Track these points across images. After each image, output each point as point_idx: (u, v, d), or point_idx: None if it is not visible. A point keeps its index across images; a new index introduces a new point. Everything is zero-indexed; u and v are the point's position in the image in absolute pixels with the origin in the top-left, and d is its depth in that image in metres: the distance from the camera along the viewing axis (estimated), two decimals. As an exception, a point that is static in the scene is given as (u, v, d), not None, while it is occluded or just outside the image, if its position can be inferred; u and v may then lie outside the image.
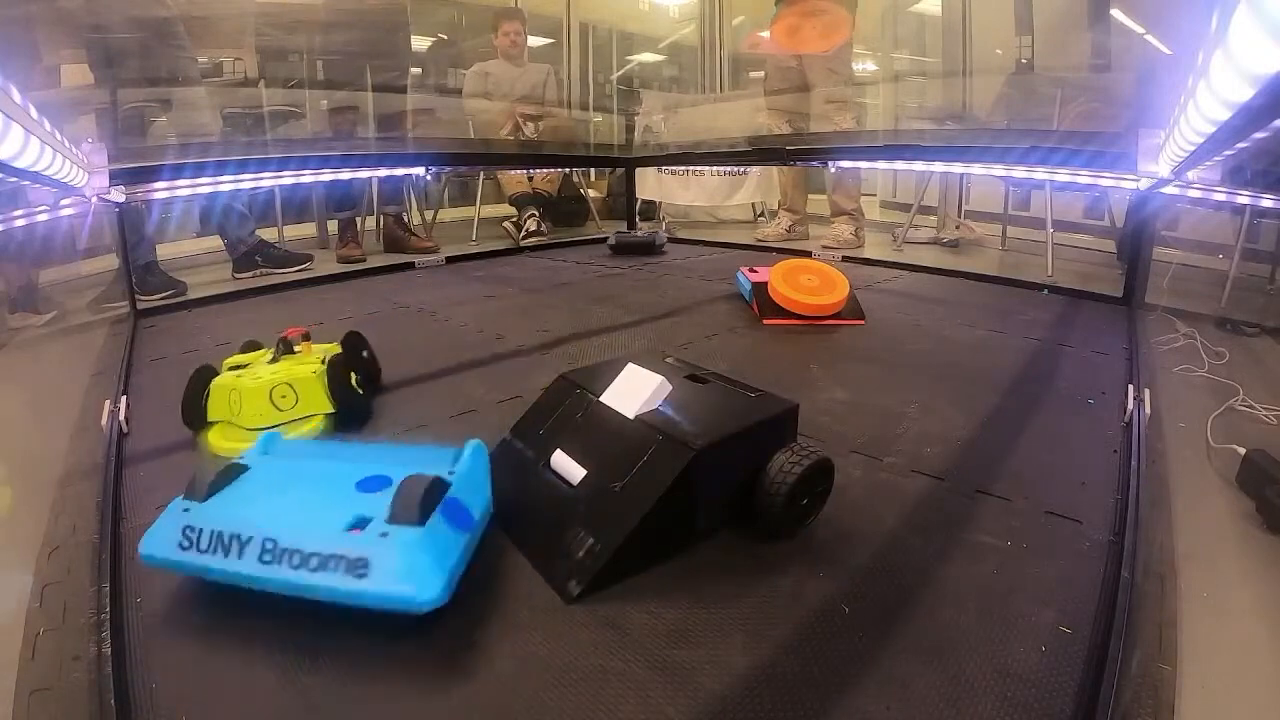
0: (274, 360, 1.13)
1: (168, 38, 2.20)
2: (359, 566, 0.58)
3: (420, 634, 0.61)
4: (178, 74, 2.28)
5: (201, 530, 0.63)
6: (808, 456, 0.77)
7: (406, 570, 0.58)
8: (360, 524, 0.63)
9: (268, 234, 2.83)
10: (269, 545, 0.61)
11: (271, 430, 0.85)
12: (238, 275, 2.36)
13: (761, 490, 0.75)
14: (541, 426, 0.87)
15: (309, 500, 0.67)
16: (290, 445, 0.81)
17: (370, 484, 0.69)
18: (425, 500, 0.63)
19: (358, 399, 1.12)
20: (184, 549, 0.63)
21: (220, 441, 1.02)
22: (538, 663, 0.59)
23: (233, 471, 0.71)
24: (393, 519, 0.62)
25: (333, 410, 1.08)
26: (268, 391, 1.04)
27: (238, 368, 1.13)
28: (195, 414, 1.04)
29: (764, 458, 0.77)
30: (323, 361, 1.11)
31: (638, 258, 2.75)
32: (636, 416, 0.80)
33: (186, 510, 0.66)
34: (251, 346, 1.23)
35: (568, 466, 0.79)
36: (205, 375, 1.07)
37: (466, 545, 0.66)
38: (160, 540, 0.65)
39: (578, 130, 3.78)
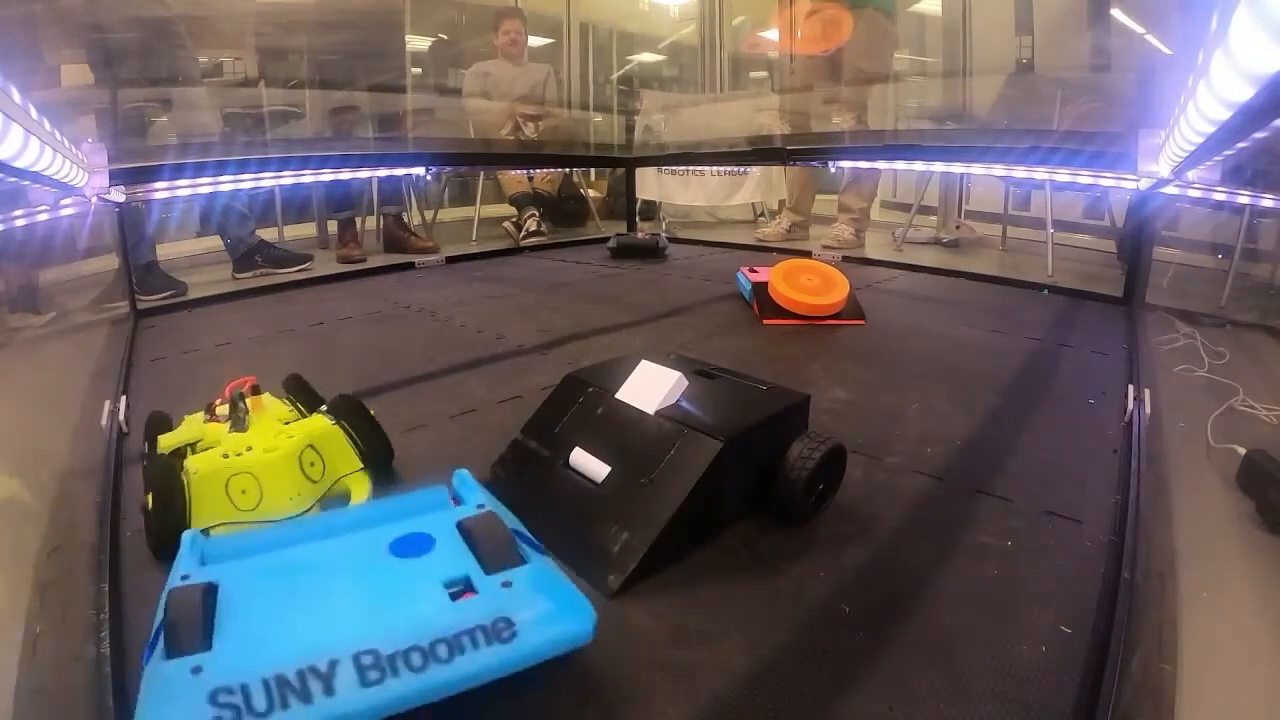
0: (235, 425, 0.87)
1: (168, 37, 2.20)
2: (503, 629, 0.48)
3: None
4: (178, 74, 2.28)
5: (246, 686, 0.43)
6: (824, 443, 0.80)
7: (557, 608, 0.51)
8: (456, 587, 0.52)
9: (268, 234, 2.83)
10: (367, 659, 0.45)
11: (194, 530, 0.63)
12: (238, 275, 2.36)
13: (782, 477, 0.78)
14: (556, 425, 0.88)
15: (360, 587, 0.53)
16: (228, 542, 0.62)
17: (407, 547, 0.57)
18: (491, 528, 0.56)
19: (384, 439, 0.91)
20: None
21: None
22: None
23: (206, 596, 0.50)
24: (491, 568, 0.53)
25: (362, 466, 0.88)
26: (296, 461, 0.80)
27: (180, 450, 0.85)
28: (176, 526, 0.71)
29: (782, 447, 0.79)
30: (294, 407, 0.95)
31: (638, 259, 2.74)
32: (657, 412, 0.81)
33: (198, 670, 0.45)
34: (161, 419, 0.96)
35: (589, 464, 0.80)
36: (168, 470, 0.76)
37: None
38: None
39: (578, 130, 3.78)
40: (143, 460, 0.88)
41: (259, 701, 0.43)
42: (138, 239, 2.09)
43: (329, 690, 0.44)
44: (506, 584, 0.52)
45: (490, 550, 0.54)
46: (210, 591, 0.51)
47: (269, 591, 0.53)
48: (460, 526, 0.58)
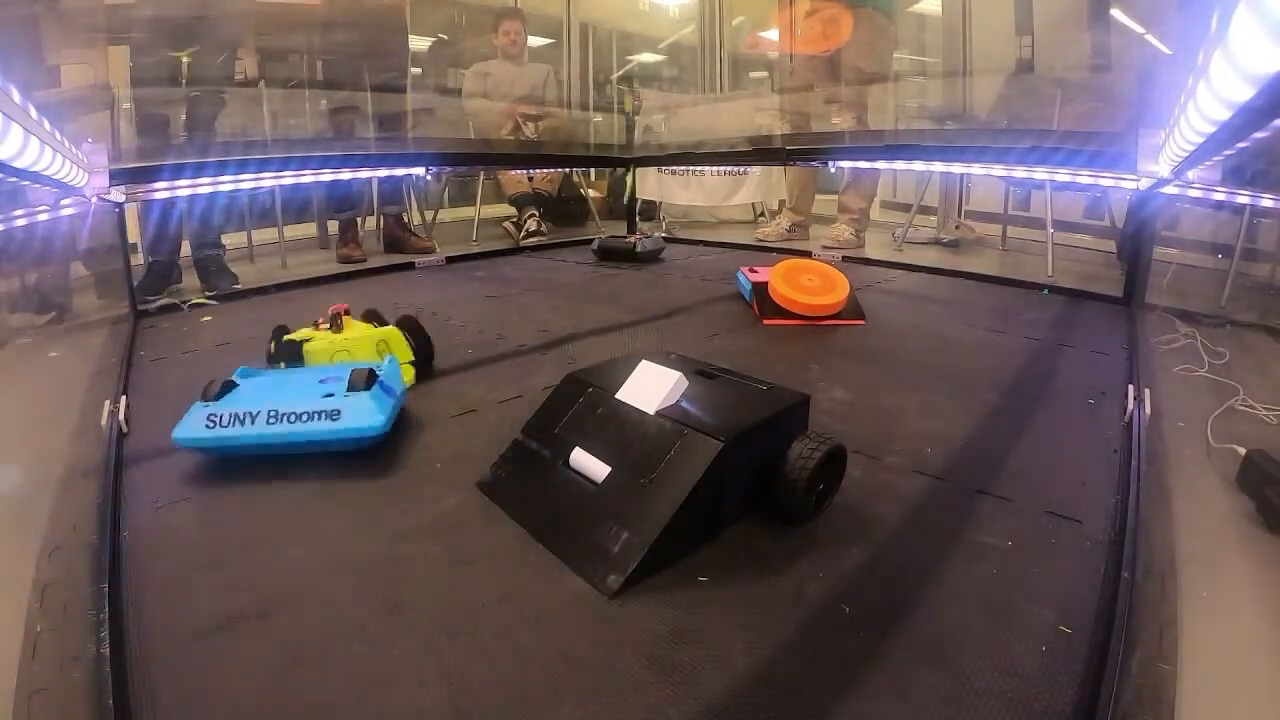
0: (335, 329, 1.31)
1: (191, 37, 2.21)
2: (334, 415, 0.94)
3: (419, 633, 0.61)
4: (193, 75, 2.29)
5: (221, 414, 0.94)
6: (824, 443, 0.80)
7: (364, 413, 0.95)
8: (329, 396, 0.97)
9: (268, 234, 2.84)
10: (273, 412, 0.93)
11: (245, 367, 1.12)
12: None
13: (782, 477, 0.78)
14: (556, 425, 0.88)
15: (291, 390, 1.02)
16: (258, 371, 1.13)
17: (329, 380, 1.03)
18: (367, 378, 0.99)
19: (430, 346, 1.36)
20: (209, 429, 0.93)
21: None
22: (539, 662, 0.59)
23: (230, 384, 1.02)
24: (349, 391, 0.98)
25: (412, 358, 1.31)
26: (375, 345, 1.27)
27: (298, 341, 1.28)
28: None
29: (782, 447, 0.79)
30: (373, 324, 1.36)
31: (635, 262, 2.64)
32: (657, 412, 0.81)
33: (206, 406, 0.96)
34: (282, 330, 1.34)
35: (589, 464, 0.80)
36: (290, 343, 1.24)
37: (394, 405, 1.02)
38: (190, 428, 0.93)
39: (578, 130, 3.78)
40: (269, 349, 1.31)
41: (224, 421, 0.93)
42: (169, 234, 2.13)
43: (253, 423, 0.93)
44: (347, 396, 0.97)
45: (354, 383, 0.99)
46: (231, 384, 1.03)
47: (258, 386, 1.04)
48: (351, 373, 1.01)
